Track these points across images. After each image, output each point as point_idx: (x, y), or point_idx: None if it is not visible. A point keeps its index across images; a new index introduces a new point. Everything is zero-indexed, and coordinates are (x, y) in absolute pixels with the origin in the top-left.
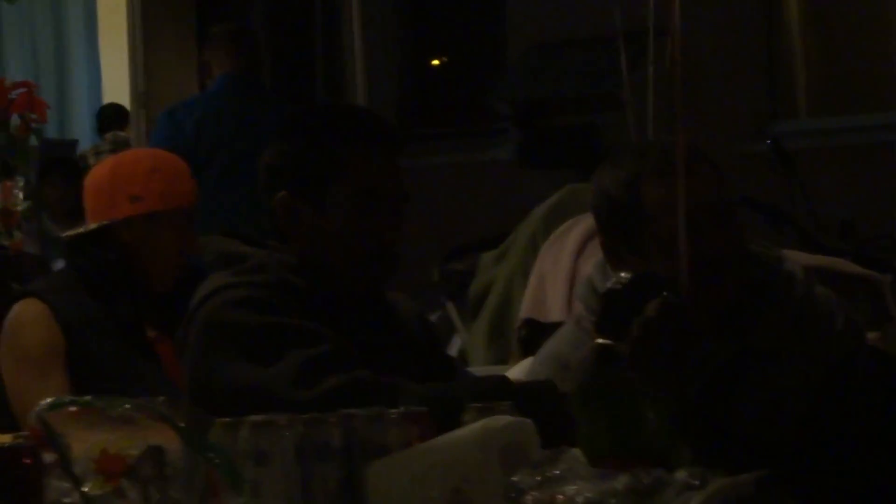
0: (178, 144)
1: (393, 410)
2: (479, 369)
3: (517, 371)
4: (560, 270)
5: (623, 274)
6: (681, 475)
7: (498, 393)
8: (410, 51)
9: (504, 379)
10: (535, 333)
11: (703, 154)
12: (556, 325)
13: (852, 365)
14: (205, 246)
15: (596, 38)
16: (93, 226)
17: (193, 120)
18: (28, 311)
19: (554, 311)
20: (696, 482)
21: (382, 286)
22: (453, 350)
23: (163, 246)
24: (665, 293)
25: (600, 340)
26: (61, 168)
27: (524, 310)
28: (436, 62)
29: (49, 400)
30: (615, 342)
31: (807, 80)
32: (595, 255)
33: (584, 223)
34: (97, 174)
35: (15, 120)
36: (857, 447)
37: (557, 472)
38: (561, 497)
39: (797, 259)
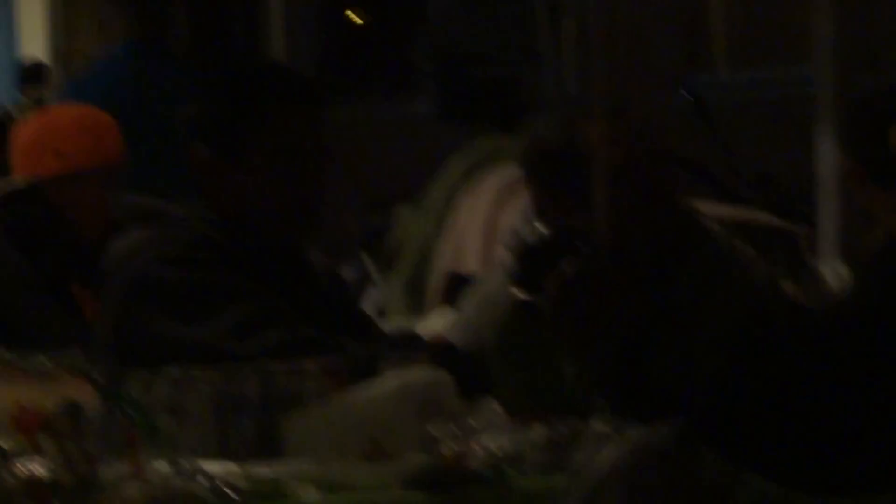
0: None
1: (309, 364)
2: (396, 320)
3: (437, 321)
4: (477, 222)
5: (541, 230)
6: (597, 425)
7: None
8: (330, 4)
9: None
10: (457, 285)
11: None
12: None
13: (770, 319)
14: (120, 203)
15: None
16: (20, 184)
17: (99, 90)
18: None
19: (471, 262)
20: (611, 431)
21: (303, 243)
22: (370, 302)
23: (89, 202)
24: (583, 249)
25: (518, 294)
26: None
27: (442, 262)
28: (355, 17)
29: None
30: (533, 297)
31: (724, 33)
32: (511, 206)
33: (500, 176)
34: (24, 132)
35: None
36: (774, 401)
37: (474, 423)
38: (477, 447)
39: (716, 211)
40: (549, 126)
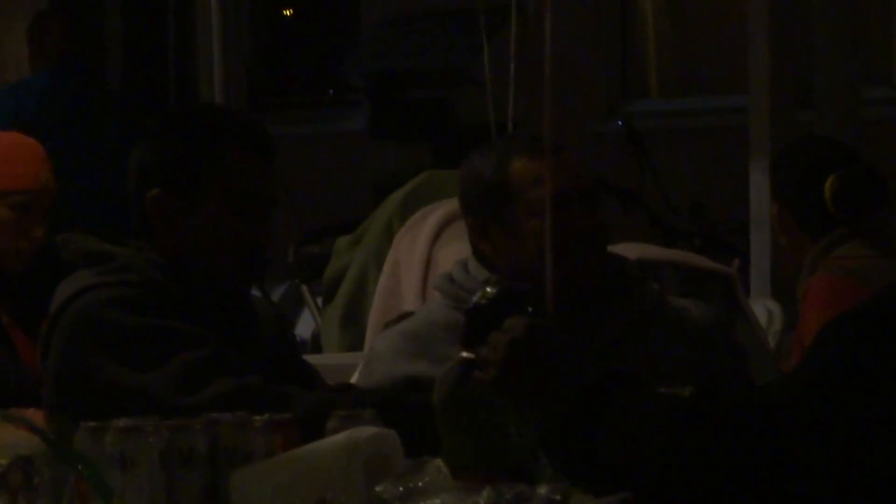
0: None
1: (258, 417)
2: (332, 356)
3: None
4: (415, 258)
5: (489, 288)
6: (543, 490)
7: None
8: (263, 20)
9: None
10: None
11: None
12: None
13: (715, 394)
14: (66, 243)
15: (450, 11)
16: None
17: (34, 102)
18: None
19: (408, 298)
20: (558, 497)
21: (249, 289)
22: (306, 331)
23: (4, 228)
24: (530, 309)
25: (465, 354)
26: None
27: (378, 297)
28: (288, 33)
29: None
30: (479, 356)
31: (658, 61)
32: (451, 242)
33: (440, 210)
34: None
35: None
36: (720, 476)
37: (421, 483)
38: None
39: (651, 254)
40: (484, 158)
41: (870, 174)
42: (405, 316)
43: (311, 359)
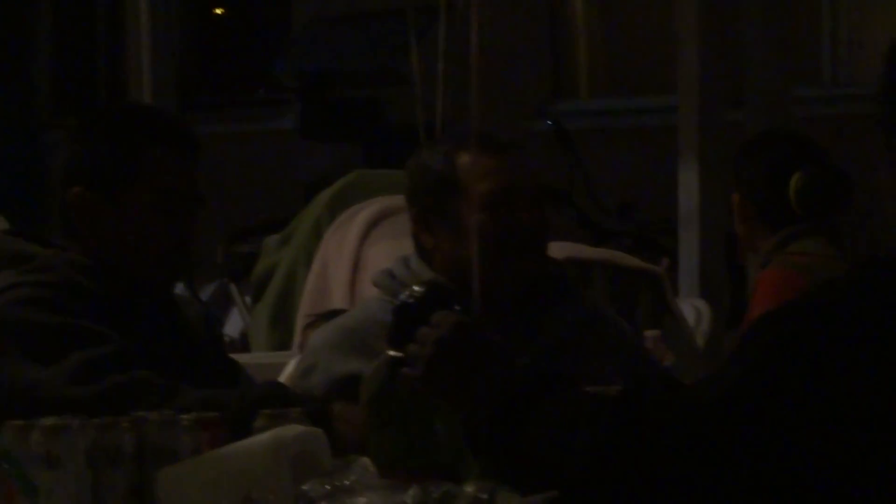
0: None
1: (185, 416)
2: (261, 355)
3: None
4: (343, 256)
5: (416, 287)
6: (469, 489)
7: (274, 401)
8: (194, 19)
9: (280, 386)
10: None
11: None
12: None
13: (642, 392)
14: None
15: (381, 11)
16: None
17: None
18: None
19: (337, 297)
20: (485, 496)
21: (173, 288)
22: (235, 330)
23: None
24: (457, 307)
25: (392, 352)
26: None
27: (307, 296)
28: (219, 32)
29: None
30: (406, 354)
31: (588, 60)
32: (380, 241)
33: (369, 209)
34: None
35: None
36: (646, 475)
37: (347, 482)
38: None
39: (581, 253)
40: (434, 151)
41: (836, 174)
42: (337, 312)
43: (240, 358)
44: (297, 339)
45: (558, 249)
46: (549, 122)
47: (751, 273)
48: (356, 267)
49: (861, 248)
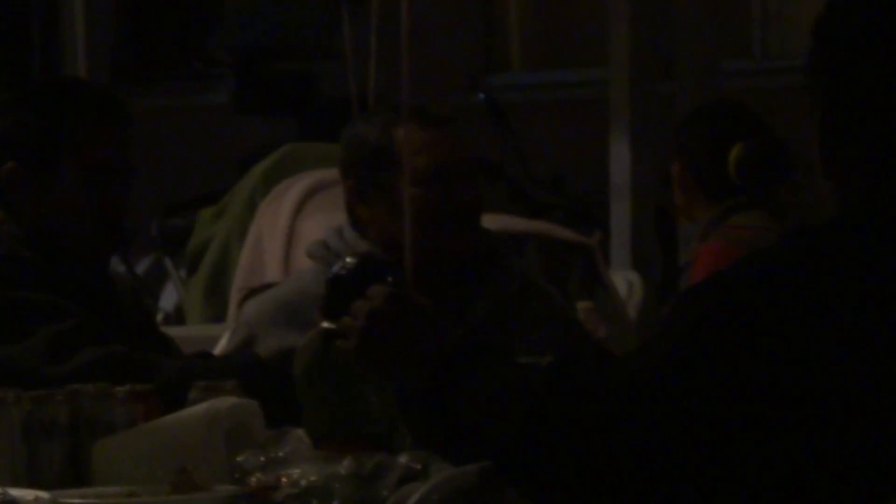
0: None
1: (119, 388)
2: (195, 328)
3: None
4: (277, 229)
5: (349, 259)
6: (403, 459)
7: (208, 373)
8: None
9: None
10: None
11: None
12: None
13: (574, 363)
14: None
15: None
16: None
17: None
18: None
19: (271, 270)
20: (418, 466)
21: (108, 260)
22: (169, 304)
23: None
24: (390, 279)
25: (326, 324)
26: None
27: (241, 269)
28: (154, 6)
29: None
30: (340, 326)
31: (520, 34)
32: (314, 214)
33: (302, 182)
34: None
35: None
36: (577, 445)
37: (282, 453)
38: (285, 479)
39: (513, 225)
40: (370, 123)
41: (777, 146)
42: (269, 286)
43: (175, 331)
44: (231, 311)
45: (491, 222)
46: (481, 96)
47: (683, 243)
48: (290, 240)
49: (795, 221)
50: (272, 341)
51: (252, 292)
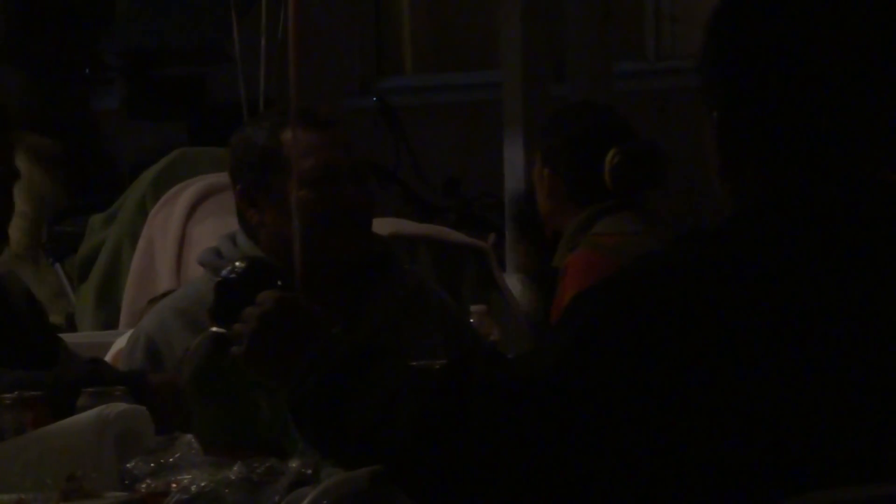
0: None
1: (7, 395)
2: (88, 335)
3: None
4: (169, 235)
5: (237, 263)
6: (294, 464)
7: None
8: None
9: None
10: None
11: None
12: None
13: (465, 368)
14: None
15: None
16: None
17: None
18: None
19: (163, 276)
20: (309, 471)
21: None
22: (61, 308)
23: None
24: (280, 283)
25: (214, 329)
26: None
27: (133, 275)
28: (41, 9)
29: None
30: (229, 331)
31: (413, 36)
32: (206, 219)
33: (193, 187)
34: None
35: None
36: (468, 450)
37: (172, 459)
38: (175, 485)
39: (406, 229)
40: (257, 126)
41: (653, 151)
42: (168, 294)
43: (67, 338)
44: (124, 318)
45: (383, 225)
46: (373, 99)
47: (557, 253)
48: (182, 245)
49: (686, 223)
50: (177, 350)
51: (152, 302)
